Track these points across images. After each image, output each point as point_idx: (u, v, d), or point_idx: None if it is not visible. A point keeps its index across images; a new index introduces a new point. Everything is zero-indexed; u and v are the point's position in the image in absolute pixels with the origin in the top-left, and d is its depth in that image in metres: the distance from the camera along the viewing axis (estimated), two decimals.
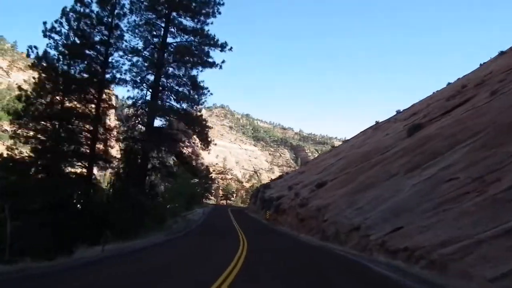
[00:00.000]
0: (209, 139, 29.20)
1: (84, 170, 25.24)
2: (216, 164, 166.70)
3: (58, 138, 23.74)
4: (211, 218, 43.68)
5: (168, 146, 28.90)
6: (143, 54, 28.18)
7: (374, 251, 14.07)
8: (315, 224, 23.86)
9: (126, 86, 27.85)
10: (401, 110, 51.69)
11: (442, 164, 16.42)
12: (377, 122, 55.08)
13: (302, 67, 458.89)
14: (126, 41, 27.16)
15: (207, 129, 29.43)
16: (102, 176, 57.36)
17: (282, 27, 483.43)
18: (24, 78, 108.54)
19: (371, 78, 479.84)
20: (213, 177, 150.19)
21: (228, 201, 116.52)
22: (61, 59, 24.26)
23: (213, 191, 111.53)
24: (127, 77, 27.44)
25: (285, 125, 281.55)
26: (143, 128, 28.72)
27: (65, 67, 24.53)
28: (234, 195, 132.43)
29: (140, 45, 28.19)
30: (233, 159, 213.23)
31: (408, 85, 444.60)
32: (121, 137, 28.87)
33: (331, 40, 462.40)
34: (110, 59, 26.82)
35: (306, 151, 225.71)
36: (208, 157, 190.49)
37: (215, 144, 33.54)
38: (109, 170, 30.83)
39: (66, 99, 24.57)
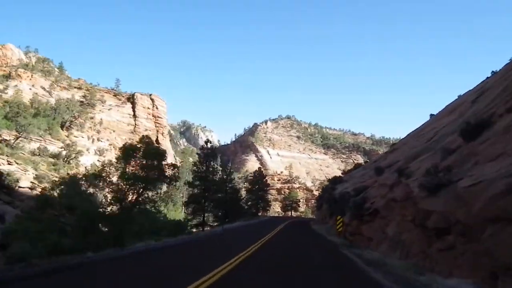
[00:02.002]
0: None
1: None
2: (281, 172, 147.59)
3: None
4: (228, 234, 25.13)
5: None
6: None
7: None
8: None
9: None
10: None
11: None
12: None
13: (371, 71, 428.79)
14: None
15: None
16: None
17: (346, 31, 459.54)
18: (67, 96, 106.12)
19: (442, 79, 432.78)
20: (278, 187, 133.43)
21: (293, 211, 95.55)
22: None
23: (270, 202, 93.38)
24: None
25: (355, 130, 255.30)
26: None
27: None
28: (302, 204, 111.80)
29: None
30: (303, 169, 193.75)
31: None
32: None
33: (399, 43, 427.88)
34: None
35: None
36: (275, 169, 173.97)
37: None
38: None
39: None
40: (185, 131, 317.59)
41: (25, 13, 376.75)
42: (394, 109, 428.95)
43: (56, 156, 57.14)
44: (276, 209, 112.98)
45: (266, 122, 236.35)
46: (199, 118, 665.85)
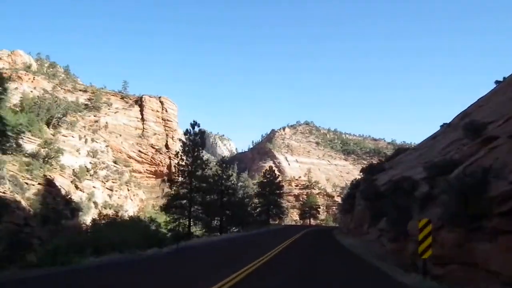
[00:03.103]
0: None
1: None
2: (299, 177, 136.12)
3: None
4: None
5: None
6: None
7: None
8: None
9: None
10: None
11: None
12: None
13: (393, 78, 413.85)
14: None
15: None
16: None
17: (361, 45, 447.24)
18: (71, 99, 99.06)
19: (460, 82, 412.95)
20: (296, 194, 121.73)
21: (312, 219, 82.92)
22: None
23: (287, 209, 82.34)
24: None
25: (375, 136, 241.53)
26: None
27: None
28: (322, 212, 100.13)
29: None
30: (322, 175, 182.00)
31: None
32: None
33: (417, 42, 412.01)
34: None
35: None
36: (293, 175, 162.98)
37: None
38: None
39: None
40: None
41: (34, 17, 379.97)
42: (414, 114, 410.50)
43: (34, 155, 47.94)
44: (294, 217, 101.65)
45: (284, 128, 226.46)
46: (217, 127, 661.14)
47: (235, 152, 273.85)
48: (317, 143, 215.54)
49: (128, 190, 67.37)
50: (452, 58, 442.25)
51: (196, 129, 32.66)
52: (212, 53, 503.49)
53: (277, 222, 73.67)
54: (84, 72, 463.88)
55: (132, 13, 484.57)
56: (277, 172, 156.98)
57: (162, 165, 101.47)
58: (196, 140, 31.50)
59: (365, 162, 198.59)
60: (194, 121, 32.95)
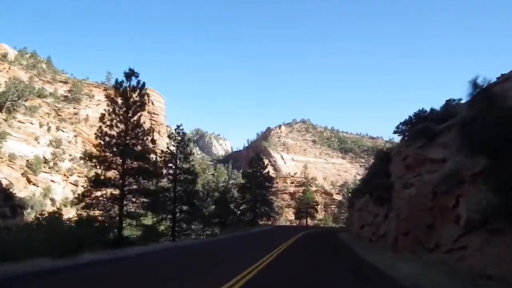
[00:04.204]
0: None
1: None
2: (295, 174, 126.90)
3: None
4: None
5: None
6: None
7: None
8: None
9: None
10: None
11: None
12: None
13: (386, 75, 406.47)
14: None
15: None
16: None
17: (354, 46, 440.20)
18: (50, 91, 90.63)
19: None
20: (292, 191, 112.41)
21: (310, 219, 72.76)
22: None
23: (281, 208, 73.03)
24: None
25: (373, 134, 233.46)
26: None
27: None
28: (321, 211, 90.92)
29: None
30: (319, 174, 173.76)
31: None
32: None
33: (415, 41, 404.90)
34: None
35: None
36: (288, 172, 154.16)
37: None
38: None
39: None
40: (199, 139, 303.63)
41: (19, 12, 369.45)
42: (412, 112, 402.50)
43: None
44: (290, 216, 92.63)
45: (279, 126, 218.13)
46: (212, 126, 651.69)
47: (230, 151, 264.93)
48: (314, 142, 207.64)
49: None
50: (452, 58, 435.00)
51: (134, 81, 22.14)
52: (207, 52, 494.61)
53: (270, 223, 64.53)
54: (74, 66, 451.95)
55: (130, 13, 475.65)
56: (272, 171, 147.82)
57: None
58: (133, 98, 22.18)
59: (363, 161, 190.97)
60: (130, 70, 22.17)
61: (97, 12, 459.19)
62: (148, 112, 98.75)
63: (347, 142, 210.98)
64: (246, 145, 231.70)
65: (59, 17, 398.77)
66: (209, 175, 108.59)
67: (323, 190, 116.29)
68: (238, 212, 43.57)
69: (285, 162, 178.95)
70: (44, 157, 47.55)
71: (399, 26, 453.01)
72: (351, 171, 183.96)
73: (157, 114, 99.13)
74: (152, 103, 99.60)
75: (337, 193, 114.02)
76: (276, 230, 38.43)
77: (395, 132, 19.32)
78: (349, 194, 50.65)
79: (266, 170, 49.25)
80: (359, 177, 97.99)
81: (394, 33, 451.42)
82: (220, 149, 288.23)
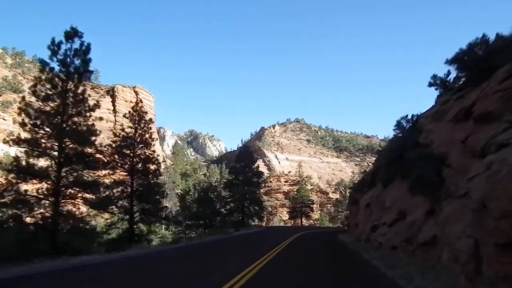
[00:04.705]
0: None
1: None
2: (289, 172, 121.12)
3: None
4: None
5: None
6: None
7: None
8: None
9: None
10: None
11: None
12: None
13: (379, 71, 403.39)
14: None
15: None
16: None
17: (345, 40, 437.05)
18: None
19: None
20: (286, 190, 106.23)
21: (305, 219, 66.69)
22: None
23: (275, 208, 67.08)
24: None
25: (368, 133, 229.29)
26: None
27: None
28: (317, 210, 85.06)
29: None
30: (314, 173, 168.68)
31: None
32: None
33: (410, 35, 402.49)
34: None
35: None
36: (283, 171, 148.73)
37: None
38: None
39: None
40: (193, 140, 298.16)
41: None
42: (407, 110, 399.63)
43: None
44: (284, 216, 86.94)
45: (273, 126, 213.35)
46: (206, 127, 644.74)
47: (224, 152, 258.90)
48: (308, 141, 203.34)
49: None
50: (446, 51, 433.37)
51: (77, 42, 16.85)
52: (201, 52, 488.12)
53: (263, 224, 58.65)
54: None
55: (124, 10, 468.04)
56: (267, 171, 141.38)
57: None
58: (74, 64, 16.67)
59: (358, 159, 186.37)
60: (73, 29, 16.76)
61: (92, 11, 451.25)
62: (136, 111, 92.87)
63: (341, 141, 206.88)
64: (240, 145, 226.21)
65: (46, 14, 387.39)
66: (200, 175, 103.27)
67: (318, 189, 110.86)
68: (225, 212, 38.12)
69: (279, 162, 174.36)
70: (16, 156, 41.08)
71: (394, 20, 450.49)
72: (346, 170, 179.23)
73: (147, 113, 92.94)
74: (141, 101, 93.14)
75: (333, 192, 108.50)
76: (264, 232, 32.64)
77: (430, 85, 13.71)
78: (350, 190, 44.70)
79: (256, 165, 43.47)
80: (356, 175, 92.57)
81: (389, 27, 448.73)
82: (214, 150, 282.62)
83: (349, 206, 34.25)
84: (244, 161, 42.35)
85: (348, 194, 59.43)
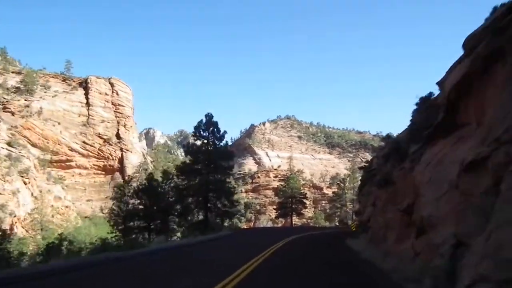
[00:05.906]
0: None
1: None
2: (279, 167, 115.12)
3: None
4: None
5: None
6: None
7: None
8: None
9: None
10: None
11: None
12: None
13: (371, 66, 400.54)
14: None
15: None
16: None
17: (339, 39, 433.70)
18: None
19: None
20: (275, 186, 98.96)
21: (297, 217, 59.38)
22: None
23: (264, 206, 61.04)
24: None
25: (360, 129, 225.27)
26: None
27: None
28: (310, 207, 79.52)
29: None
30: (306, 170, 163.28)
31: None
32: None
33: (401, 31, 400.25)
34: None
35: None
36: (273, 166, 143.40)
37: None
38: None
39: None
40: (183, 140, 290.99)
41: None
42: (399, 105, 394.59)
43: None
44: (274, 215, 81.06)
45: (264, 123, 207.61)
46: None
47: None
48: (299, 137, 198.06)
49: (26, 183, 45.49)
50: (439, 47, 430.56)
51: None
52: (191, 52, 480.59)
53: (251, 224, 52.53)
54: (35, 58, 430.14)
55: (128, 14, 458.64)
56: (257, 168, 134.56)
57: (112, 159, 79.99)
58: None
59: (351, 155, 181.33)
60: None
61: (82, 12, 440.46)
62: (112, 104, 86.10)
63: (333, 137, 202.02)
64: (230, 143, 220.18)
65: (15, 4, 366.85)
66: None
67: (311, 184, 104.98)
68: (179, 209, 29.21)
69: (270, 159, 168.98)
70: None
71: (383, 16, 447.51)
72: (339, 166, 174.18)
73: (123, 106, 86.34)
74: (117, 94, 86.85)
75: (327, 187, 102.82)
76: (226, 239, 22.20)
77: None
78: (366, 166, 30.52)
79: (224, 142, 33.12)
80: (349, 172, 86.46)
81: (380, 23, 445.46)
82: None
83: (359, 197, 26.13)
84: (206, 137, 31.04)
85: (359, 179, 47.23)
